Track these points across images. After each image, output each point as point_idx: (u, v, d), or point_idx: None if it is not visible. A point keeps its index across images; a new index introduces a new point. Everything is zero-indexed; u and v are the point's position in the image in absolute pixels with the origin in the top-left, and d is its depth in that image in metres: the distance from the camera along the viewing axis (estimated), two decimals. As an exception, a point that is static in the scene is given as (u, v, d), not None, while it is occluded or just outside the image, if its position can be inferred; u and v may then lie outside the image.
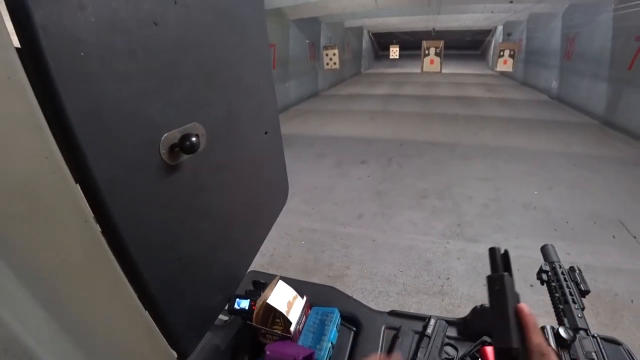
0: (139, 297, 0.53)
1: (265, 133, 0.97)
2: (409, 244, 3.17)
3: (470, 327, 0.85)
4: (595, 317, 2.39)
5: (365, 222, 3.59)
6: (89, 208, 0.45)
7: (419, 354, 0.77)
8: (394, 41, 15.14)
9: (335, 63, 10.35)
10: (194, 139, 0.56)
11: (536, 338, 0.45)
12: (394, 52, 14.39)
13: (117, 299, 0.50)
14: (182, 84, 0.60)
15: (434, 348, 0.79)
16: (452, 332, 0.88)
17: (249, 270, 1.03)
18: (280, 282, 0.93)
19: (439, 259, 2.96)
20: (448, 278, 2.75)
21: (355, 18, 12.38)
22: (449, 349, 0.82)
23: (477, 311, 0.83)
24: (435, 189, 4.27)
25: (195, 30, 0.63)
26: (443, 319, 0.88)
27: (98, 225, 0.47)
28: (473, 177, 4.58)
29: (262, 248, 3.60)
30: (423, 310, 2.43)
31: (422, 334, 0.83)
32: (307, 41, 10.88)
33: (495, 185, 4.34)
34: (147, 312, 0.55)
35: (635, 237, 3.25)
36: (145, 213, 0.54)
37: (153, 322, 0.57)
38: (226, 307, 0.90)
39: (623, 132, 6.68)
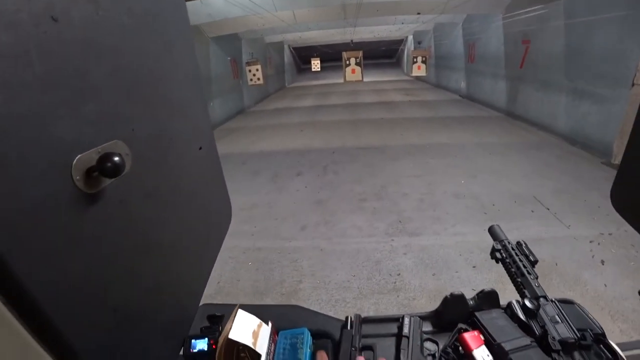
0: None
1: (200, 148, 0.88)
2: (356, 248, 3.20)
3: (444, 318, 0.84)
4: (532, 286, 2.62)
5: (310, 233, 3.56)
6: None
7: (401, 357, 0.74)
8: (315, 54, 15.64)
9: (259, 78, 10.33)
10: (116, 159, 0.46)
11: None
12: (316, 64, 14.83)
13: None
14: (96, 96, 0.49)
15: (414, 347, 0.76)
16: (427, 326, 0.87)
17: (202, 304, 0.92)
18: (240, 311, 0.82)
19: (387, 257, 3.03)
20: (399, 274, 2.81)
21: (276, 33, 12.54)
22: (428, 344, 0.80)
23: (448, 301, 0.83)
24: (372, 190, 4.40)
25: (111, 33, 0.52)
26: (416, 316, 0.86)
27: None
28: (405, 175, 4.82)
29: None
30: (381, 309, 2.45)
31: (399, 335, 0.81)
32: (229, 58, 10.71)
33: (426, 180, 4.61)
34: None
35: (548, 209, 3.66)
36: (61, 259, 0.42)
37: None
38: (181, 353, 0.77)
39: (523, 121, 7.62)
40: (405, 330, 0.78)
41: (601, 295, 2.45)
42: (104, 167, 0.45)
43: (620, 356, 0.68)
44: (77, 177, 0.43)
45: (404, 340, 0.77)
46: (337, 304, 2.56)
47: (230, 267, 3.12)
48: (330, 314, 1.03)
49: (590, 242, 3.06)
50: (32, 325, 0.38)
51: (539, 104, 7.17)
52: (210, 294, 2.72)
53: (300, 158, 5.97)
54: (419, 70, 10.80)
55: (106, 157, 0.45)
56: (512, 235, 3.16)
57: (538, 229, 3.34)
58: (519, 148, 5.84)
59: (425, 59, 10.96)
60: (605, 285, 2.53)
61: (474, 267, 2.73)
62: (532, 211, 3.66)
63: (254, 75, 10.38)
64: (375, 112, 9.62)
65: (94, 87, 0.49)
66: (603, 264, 2.79)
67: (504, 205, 3.80)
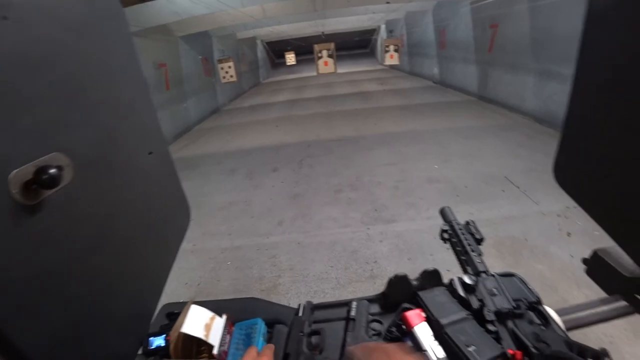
0: None
1: (150, 153, 0.88)
2: (333, 239, 3.22)
3: (390, 299, 0.87)
4: (503, 260, 2.71)
5: (287, 228, 3.56)
6: None
7: (347, 339, 0.77)
8: (289, 48, 15.51)
9: (232, 76, 10.18)
10: (52, 171, 0.49)
11: None
12: (290, 58, 14.72)
13: None
14: (31, 110, 0.51)
15: (359, 328, 0.79)
16: (375, 308, 0.89)
17: (164, 304, 0.94)
18: (193, 306, 0.84)
19: (363, 246, 3.06)
20: (375, 262, 2.85)
21: (247, 29, 12.35)
22: (374, 324, 0.83)
23: (392, 282, 0.85)
24: (347, 182, 4.42)
25: (42, 47, 0.54)
26: (364, 299, 0.89)
27: None
28: (380, 164, 4.86)
29: (187, 279, 3.34)
30: (360, 296, 2.49)
31: (347, 319, 0.83)
32: (200, 57, 10.50)
33: (401, 167, 4.67)
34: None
35: (518, 187, 3.77)
36: (6, 267, 0.45)
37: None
38: (140, 352, 0.79)
39: (494, 104, 7.78)
40: (353, 313, 0.80)
41: (567, 266, 2.55)
42: (41, 180, 0.47)
43: (553, 320, 0.71)
44: (15, 191, 0.46)
45: (351, 323, 0.79)
46: (315, 294, 2.58)
47: (209, 267, 3.10)
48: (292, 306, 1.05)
49: (558, 216, 3.17)
50: None
51: (508, 86, 7.33)
52: (191, 296, 2.70)
53: (275, 154, 5.94)
54: (392, 59, 10.85)
55: (42, 170, 0.48)
56: (484, 215, 3.27)
57: (509, 207, 3.43)
58: (490, 130, 5.97)
59: (398, 47, 11.00)
60: (572, 256, 2.64)
61: (448, 249, 2.78)
62: (503, 190, 3.76)
63: (227, 72, 10.22)
64: (350, 103, 9.64)
65: (27, 101, 0.50)
66: (569, 236, 2.91)
67: (476, 187, 3.89)
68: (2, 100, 0.46)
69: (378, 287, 2.59)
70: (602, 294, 0.95)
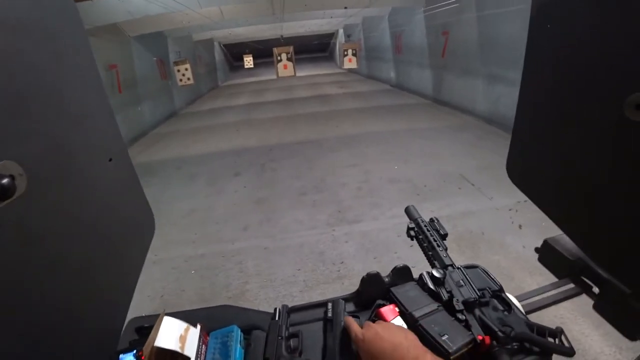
0: None
1: (110, 160, 0.83)
2: (300, 242, 3.23)
3: (364, 296, 0.89)
4: (463, 254, 2.86)
5: (253, 233, 3.51)
6: None
7: (328, 341, 0.78)
8: (247, 51, 15.32)
9: (189, 78, 9.89)
10: (4, 180, 0.45)
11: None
12: (248, 61, 14.55)
13: None
14: None
15: (337, 327, 0.80)
16: (350, 307, 0.91)
17: (129, 319, 0.89)
18: (166, 318, 0.80)
19: (329, 247, 3.09)
20: (342, 262, 2.89)
21: (204, 30, 12.05)
22: None
23: (365, 280, 0.87)
24: (311, 184, 4.46)
25: None
26: (338, 298, 0.90)
27: None
28: (342, 166, 4.95)
29: (149, 291, 3.19)
30: (328, 297, 2.51)
31: (325, 320, 0.84)
32: (154, 58, 10.09)
33: (363, 168, 4.78)
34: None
35: (473, 185, 3.99)
36: None
37: None
38: None
39: (448, 106, 8.18)
40: (330, 314, 0.82)
41: (521, 256, 2.74)
42: None
43: (515, 305, 0.77)
44: None
45: (329, 324, 0.80)
46: (284, 299, 2.57)
47: (173, 278, 2.98)
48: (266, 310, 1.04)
49: (510, 210, 3.39)
50: None
51: (460, 89, 7.74)
52: (154, 309, 2.57)
53: (237, 158, 5.85)
54: (350, 62, 11.07)
55: None
56: (443, 212, 3.40)
57: (465, 204, 3.62)
58: (445, 131, 6.27)
59: (356, 51, 11.24)
60: (524, 247, 2.83)
61: (411, 246, 2.87)
62: (459, 188, 3.96)
63: (184, 75, 9.90)
64: (310, 106, 9.71)
65: None
66: (521, 228, 3.12)
67: (435, 185, 4.07)
68: None
69: (346, 287, 2.63)
70: (553, 279, 1.04)
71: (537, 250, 1.13)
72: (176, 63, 9.89)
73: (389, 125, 6.96)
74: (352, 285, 2.76)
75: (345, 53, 11.19)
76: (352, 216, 3.57)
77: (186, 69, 9.82)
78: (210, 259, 3.18)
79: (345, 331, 0.72)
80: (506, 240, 2.98)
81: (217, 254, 3.24)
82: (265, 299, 2.61)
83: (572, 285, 0.98)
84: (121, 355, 0.74)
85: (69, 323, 0.59)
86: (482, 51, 6.65)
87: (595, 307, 0.88)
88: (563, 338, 0.67)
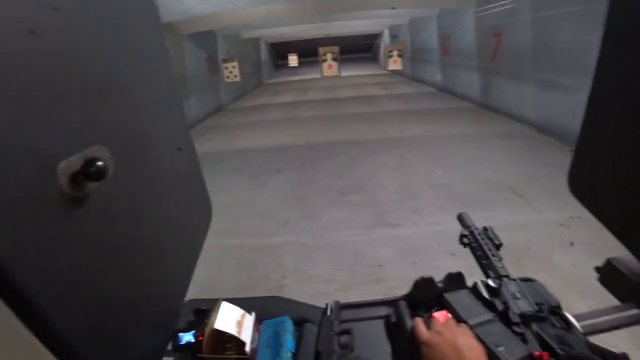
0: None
1: (179, 149, 0.89)
2: (338, 241, 3.25)
3: (415, 300, 0.89)
4: (508, 269, 2.74)
5: (292, 229, 3.58)
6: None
7: (394, 342, 0.79)
8: (292, 49, 15.54)
9: (235, 75, 10.21)
10: (100, 163, 0.48)
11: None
12: (293, 60, 14.76)
13: None
14: (74, 103, 0.50)
15: (406, 329, 0.80)
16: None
17: (188, 300, 0.93)
18: (224, 303, 0.85)
19: (368, 249, 3.09)
20: (380, 265, 2.88)
21: (251, 29, 12.39)
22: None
23: (418, 284, 0.88)
24: (351, 184, 4.46)
25: (82, 42, 0.53)
26: (390, 299, 0.91)
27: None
28: (384, 168, 4.90)
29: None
30: (366, 298, 2.51)
31: (386, 320, 0.85)
32: (205, 55, 10.52)
33: (405, 172, 4.71)
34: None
35: (521, 196, 3.81)
36: (51, 257, 0.45)
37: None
38: (169, 347, 0.80)
39: (496, 112, 7.85)
40: (394, 318, 0.83)
41: (571, 275, 2.59)
42: (89, 171, 0.47)
43: (573, 324, 0.74)
44: (63, 182, 0.45)
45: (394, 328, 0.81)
46: (321, 297, 2.60)
47: (213, 266, 3.10)
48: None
49: (560, 225, 3.21)
50: (24, 319, 0.40)
51: (510, 95, 7.39)
52: (195, 293, 2.69)
53: (279, 155, 5.97)
54: (395, 64, 10.93)
55: (90, 161, 0.48)
56: (487, 223, 3.28)
57: (512, 215, 3.47)
58: (492, 138, 6.02)
59: (401, 52, 11.09)
60: (574, 266, 2.67)
61: (452, 254, 2.81)
62: (506, 198, 3.80)
63: (231, 72, 10.25)
64: (353, 107, 9.69)
65: (71, 94, 0.50)
66: (572, 246, 2.94)
67: (479, 194, 3.93)
68: (50, 93, 0.46)
69: (384, 290, 2.62)
70: (607, 303, 0.98)
71: (597, 269, 1.07)
72: (224, 60, 10.24)
73: (433, 129, 6.80)
74: (389, 289, 2.76)
75: (390, 54, 11.06)
76: (392, 220, 3.54)
77: (234, 67, 10.15)
78: (249, 251, 3.27)
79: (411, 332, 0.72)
80: (555, 257, 2.82)
81: (257, 246, 3.33)
82: (302, 295, 2.65)
83: (636, 311, 0.93)
84: (180, 334, 0.81)
85: (135, 300, 0.63)
86: (536, 55, 6.31)
87: None
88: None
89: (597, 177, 0.96)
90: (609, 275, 1.03)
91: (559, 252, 2.87)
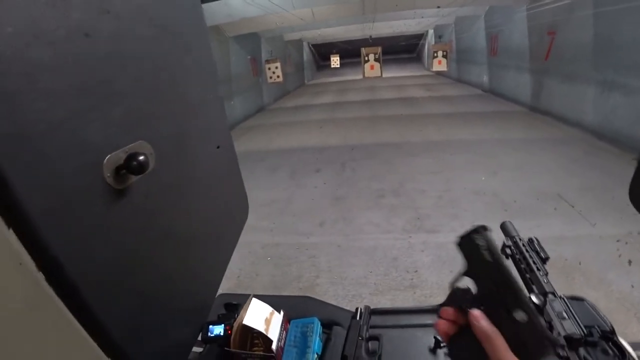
0: (99, 345, 0.47)
1: (218, 147, 0.92)
2: (374, 244, 3.21)
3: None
4: (553, 284, 2.57)
5: (328, 229, 3.59)
6: (23, 247, 0.39)
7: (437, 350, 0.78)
8: (334, 51, 15.55)
9: (278, 76, 10.40)
10: (141, 158, 0.51)
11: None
12: (335, 61, 14.77)
13: (72, 349, 0.43)
14: (122, 101, 0.54)
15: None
16: (434, 318, 0.90)
17: (220, 293, 0.97)
18: (254, 300, 0.88)
19: (404, 254, 3.02)
20: (416, 271, 2.81)
21: (294, 31, 12.56)
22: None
23: (454, 294, 0.85)
24: (389, 187, 4.38)
25: (132, 43, 0.57)
26: (425, 308, 0.89)
27: (37, 267, 0.40)
28: (423, 172, 4.77)
29: (227, 271, 3.46)
30: (398, 304, 2.46)
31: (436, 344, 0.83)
32: (248, 57, 10.83)
33: (445, 176, 4.55)
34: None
35: (573, 207, 3.56)
36: (94, 246, 0.48)
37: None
38: (199, 338, 0.83)
39: (547, 116, 7.37)
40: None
41: (627, 297, 2.38)
42: (131, 166, 0.50)
43: (630, 354, 0.68)
44: (108, 175, 0.49)
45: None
46: (353, 299, 2.58)
47: (249, 261, 3.19)
48: (347, 309, 1.06)
49: (617, 241, 2.95)
50: (72, 308, 0.43)
51: (564, 97, 6.92)
52: (230, 288, 2.79)
53: (318, 155, 6.00)
54: (440, 64, 10.61)
55: (133, 156, 0.51)
56: (533, 233, 3.12)
57: (561, 226, 3.25)
58: (542, 144, 5.66)
59: (446, 53, 10.74)
60: (633, 286, 2.45)
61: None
62: (555, 209, 3.56)
63: (274, 73, 10.45)
64: (394, 108, 9.53)
65: (119, 93, 0.53)
66: (630, 264, 2.70)
67: (526, 202, 3.71)
68: (99, 92, 0.49)
69: (418, 297, 2.56)
70: None
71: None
72: (267, 61, 10.47)
73: (478, 133, 6.52)
74: (424, 296, 2.69)
75: (435, 55, 10.75)
76: (430, 225, 3.44)
77: (276, 68, 10.34)
78: (285, 249, 3.32)
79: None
80: (609, 275, 2.60)
81: (292, 245, 3.38)
82: (334, 296, 2.65)
83: None
84: (211, 326, 0.86)
85: (171, 292, 0.66)
86: (596, 53, 5.83)
87: None
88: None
89: None
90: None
91: (615, 270, 2.65)
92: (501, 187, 4.10)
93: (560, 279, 2.62)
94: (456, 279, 0.48)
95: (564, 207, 3.58)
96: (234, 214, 1.04)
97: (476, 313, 0.44)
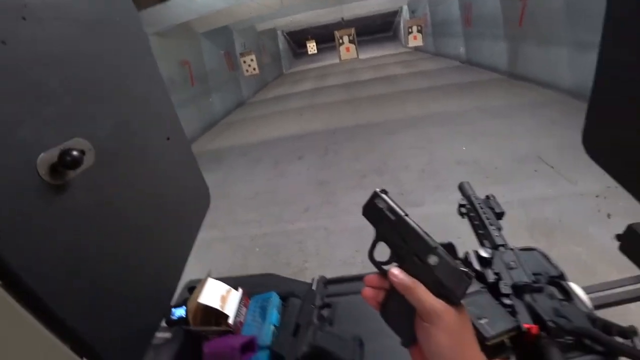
0: (56, 334, 0.48)
1: (168, 139, 0.94)
2: (359, 224, 3.18)
3: None
4: (537, 243, 2.59)
5: (313, 214, 3.59)
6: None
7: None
8: (309, 37, 15.33)
9: (254, 68, 10.24)
10: (75, 153, 0.54)
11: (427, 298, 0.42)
12: (312, 47, 14.57)
13: (27, 340, 0.44)
14: (54, 102, 0.57)
15: None
16: None
17: (188, 280, 1.03)
18: (210, 279, 0.91)
19: (389, 231, 3.04)
20: (401, 246, 2.83)
21: (265, 20, 12.35)
22: None
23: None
24: (372, 167, 4.39)
25: (58, 44, 0.59)
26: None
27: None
28: (406, 148, 4.78)
29: (218, 266, 3.46)
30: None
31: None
32: (222, 51, 10.64)
33: (427, 150, 4.57)
34: (67, 348, 0.50)
35: (552, 167, 3.60)
36: (37, 238, 0.50)
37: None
38: (164, 323, 0.88)
39: (525, 81, 7.39)
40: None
41: (607, 248, 2.41)
42: (65, 161, 0.53)
43: (578, 296, 0.68)
44: (43, 172, 0.51)
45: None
46: (341, 279, 2.60)
47: (239, 255, 3.20)
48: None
49: (597, 196, 3.00)
50: (20, 298, 0.44)
51: (540, 61, 6.93)
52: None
53: (300, 142, 5.97)
54: (415, 40, 10.50)
55: (65, 153, 0.53)
56: (515, 196, 3.17)
57: (542, 187, 3.29)
58: (521, 108, 5.70)
59: (421, 27, 10.62)
60: (612, 239, 2.50)
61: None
62: (536, 170, 3.60)
63: (249, 65, 10.28)
64: (374, 88, 9.49)
65: (49, 94, 0.56)
66: (609, 218, 2.74)
67: (506, 167, 3.75)
68: (30, 95, 0.51)
69: (405, 270, 2.58)
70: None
71: (618, 237, 0.99)
72: (242, 54, 10.28)
73: (457, 104, 6.53)
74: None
75: (410, 30, 10.64)
76: (413, 199, 3.45)
77: (252, 60, 10.17)
78: (272, 238, 3.33)
79: None
80: (590, 230, 2.64)
81: (280, 233, 3.38)
82: (323, 279, 2.66)
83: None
84: (173, 309, 0.89)
85: (130, 279, 0.68)
86: (570, 14, 5.82)
87: None
88: (637, 339, 0.58)
89: (613, 135, 0.89)
90: (630, 242, 0.95)
91: (595, 224, 2.69)
92: (482, 155, 4.13)
93: (543, 238, 2.66)
94: (370, 250, 0.50)
95: (544, 169, 3.62)
96: (193, 202, 1.07)
97: (393, 270, 0.45)
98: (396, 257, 0.46)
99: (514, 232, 2.84)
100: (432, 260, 0.43)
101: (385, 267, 0.47)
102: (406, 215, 0.47)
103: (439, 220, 3.03)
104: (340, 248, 2.94)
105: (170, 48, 7.49)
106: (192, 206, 1.05)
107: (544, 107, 5.59)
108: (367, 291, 0.49)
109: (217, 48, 10.25)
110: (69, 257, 0.54)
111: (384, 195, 0.49)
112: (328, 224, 3.34)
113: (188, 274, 0.95)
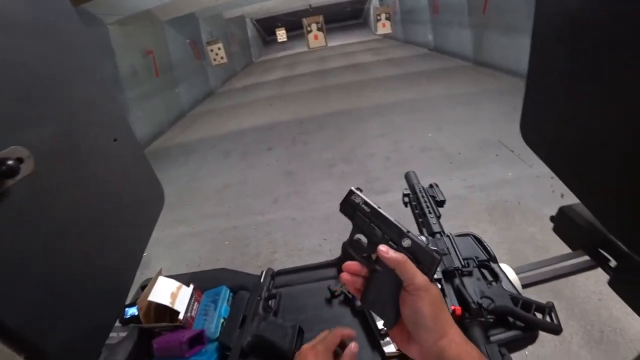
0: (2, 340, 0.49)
1: (115, 140, 0.92)
2: (327, 213, 3.25)
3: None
4: (495, 225, 2.73)
5: (282, 205, 3.59)
6: None
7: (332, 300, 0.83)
8: (279, 24, 15.06)
9: (222, 57, 9.96)
10: (10, 162, 0.54)
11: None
12: (281, 35, 14.33)
13: None
14: None
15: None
16: (333, 272, 1.00)
17: (144, 279, 1.03)
18: (160, 277, 0.92)
19: (356, 218, 3.09)
20: (368, 232, 2.89)
21: (233, 7, 12.02)
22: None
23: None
24: (340, 155, 4.42)
25: None
26: (323, 264, 0.93)
27: None
28: (373, 136, 4.84)
29: (188, 261, 3.40)
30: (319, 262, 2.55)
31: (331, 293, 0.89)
32: (187, 40, 10.28)
33: (393, 138, 4.64)
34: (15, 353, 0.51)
35: (512, 151, 3.75)
36: None
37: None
38: (119, 323, 0.89)
39: (490, 68, 7.61)
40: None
41: (559, 227, 2.56)
42: (0, 170, 0.52)
43: (506, 277, 0.72)
44: None
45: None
46: (310, 269, 2.63)
47: (208, 248, 3.17)
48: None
49: (552, 177, 3.13)
50: None
51: (504, 48, 7.12)
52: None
53: (270, 133, 5.92)
54: (384, 27, 10.52)
55: (0, 162, 0.53)
56: (477, 181, 3.26)
57: (502, 171, 3.42)
58: (486, 95, 5.87)
59: (389, 15, 10.65)
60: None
61: (438, 217, 2.81)
62: (497, 155, 3.74)
63: (217, 54, 9.98)
64: (343, 77, 9.49)
65: None
66: (562, 197, 2.90)
67: (470, 153, 3.87)
68: None
69: (371, 256, 2.64)
70: None
71: (552, 219, 1.05)
72: (209, 43, 9.96)
73: (424, 91, 6.64)
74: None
75: (379, 17, 10.64)
76: (379, 187, 3.52)
77: (219, 49, 9.87)
78: (242, 231, 3.31)
79: None
80: (545, 210, 2.78)
81: (249, 225, 3.37)
82: (291, 268, 2.68)
83: (586, 258, 0.90)
84: (127, 309, 0.90)
85: (81, 280, 0.68)
86: (530, 2, 6.00)
87: (610, 283, 0.80)
88: (553, 315, 0.62)
89: (544, 124, 0.93)
90: (562, 223, 1.01)
91: (549, 204, 2.79)
92: (446, 141, 4.24)
93: (501, 220, 2.78)
94: (349, 240, 0.54)
95: (505, 153, 3.76)
96: (146, 202, 1.05)
97: (383, 247, 0.49)
98: (374, 245, 0.50)
99: (474, 215, 2.98)
100: (406, 243, 0.49)
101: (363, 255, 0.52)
102: (379, 207, 0.52)
103: (404, 208, 3.12)
104: (308, 237, 2.97)
105: (132, 37, 7.14)
106: (145, 206, 1.04)
107: (507, 94, 5.77)
108: (346, 276, 0.53)
109: (182, 37, 9.89)
110: (13, 260, 0.54)
111: (359, 192, 0.54)
112: (296, 214, 3.35)
113: (156, 269, 0.97)
